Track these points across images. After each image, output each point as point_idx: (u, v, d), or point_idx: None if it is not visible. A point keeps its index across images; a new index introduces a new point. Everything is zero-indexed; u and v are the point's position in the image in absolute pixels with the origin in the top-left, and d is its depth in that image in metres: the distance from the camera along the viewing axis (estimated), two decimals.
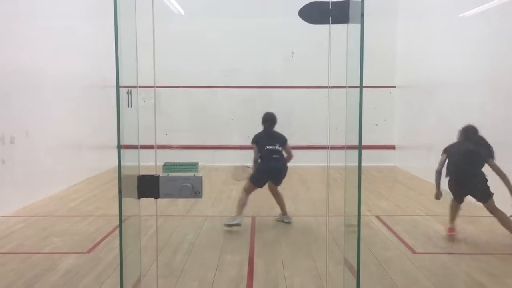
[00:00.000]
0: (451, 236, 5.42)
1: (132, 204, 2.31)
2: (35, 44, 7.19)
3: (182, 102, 10.81)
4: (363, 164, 2.19)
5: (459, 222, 5.99)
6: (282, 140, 6.03)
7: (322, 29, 2.28)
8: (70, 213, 6.52)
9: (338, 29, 2.24)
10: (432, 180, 5.34)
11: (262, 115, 6.10)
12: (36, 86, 7.26)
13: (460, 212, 5.45)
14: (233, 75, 10.89)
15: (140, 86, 2.28)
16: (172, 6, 9.94)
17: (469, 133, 5.51)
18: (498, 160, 5.14)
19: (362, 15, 1.98)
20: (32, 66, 7.10)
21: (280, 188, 6.00)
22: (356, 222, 2.22)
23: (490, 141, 5.70)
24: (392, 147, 11.31)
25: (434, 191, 5.34)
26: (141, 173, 2.29)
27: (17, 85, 6.70)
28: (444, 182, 5.40)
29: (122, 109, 2.11)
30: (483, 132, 6.91)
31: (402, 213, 6.57)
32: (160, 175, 2.21)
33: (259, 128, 6.05)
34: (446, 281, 4.13)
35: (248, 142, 6.01)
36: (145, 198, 2.32)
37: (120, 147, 2.10)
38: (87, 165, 9.30)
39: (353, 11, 2.11)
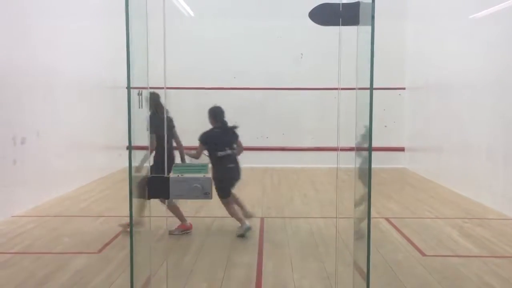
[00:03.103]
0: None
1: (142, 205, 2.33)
2: (46, 44, 7.25)
3: (191, 103, 10.81)
4: (372, 166, 2.18)
5: (470, 225, 5.94)
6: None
7: (332, 31, 2.28)
8: (80, 213, 6.57)
9: (348, 30, 2.24)
10: (442, 183, 5.27)
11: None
12: (47, 87, 7.33)
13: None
14: (243, 76, 10.90)
15: (150, 87, 2.29)
16: (181, 7, 9.98)
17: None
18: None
19: (373, 17, 1.98)
20: (43, 67, 7.16)
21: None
22: (365, 224, 2.22)
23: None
24: (402, 149, 11.24)
25: (445, 194, 5.26)
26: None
27: (28, 85, 6.76)
28: None
29: (133, 110, 2.13)
30: (495, 134, 6.87)
31: (412, 215, 6.53)
32: (170, 176, 2.21)
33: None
34: (456, 283, 4.09)
35: (258, 143, 5.76)
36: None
37: (131, 148, 2.11)
38: (98, 166, 9.36)
39: (363, 12, 2.11)
